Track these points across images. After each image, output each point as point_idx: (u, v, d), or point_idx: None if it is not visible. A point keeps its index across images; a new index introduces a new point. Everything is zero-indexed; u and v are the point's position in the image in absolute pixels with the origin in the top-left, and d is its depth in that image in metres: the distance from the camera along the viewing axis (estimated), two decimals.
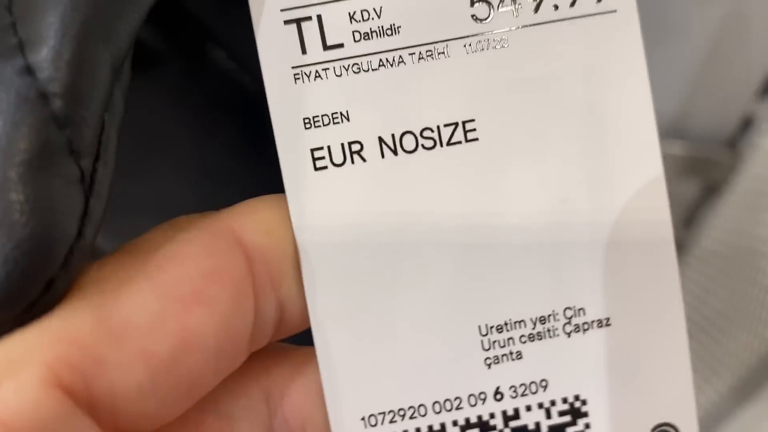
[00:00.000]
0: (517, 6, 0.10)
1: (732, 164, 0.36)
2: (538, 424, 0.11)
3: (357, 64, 0.10)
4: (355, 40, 0.10)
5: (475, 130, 0.10)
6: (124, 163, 0.10)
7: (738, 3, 0.32)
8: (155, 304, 0.09)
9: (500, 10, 0.10)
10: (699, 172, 0.36)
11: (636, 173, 0.10)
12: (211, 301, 0.10)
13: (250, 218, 0.10)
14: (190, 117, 0.17)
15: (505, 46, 0.10)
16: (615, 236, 0.10)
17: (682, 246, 0.41)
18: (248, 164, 0.17)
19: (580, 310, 0.11)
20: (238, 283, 0.10)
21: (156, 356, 0.09)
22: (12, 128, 0.08)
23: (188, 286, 0.09)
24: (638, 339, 0.11)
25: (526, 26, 0.10)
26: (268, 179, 0.11)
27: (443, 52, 0.10)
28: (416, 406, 0.11)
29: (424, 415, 0.11)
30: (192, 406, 0.10)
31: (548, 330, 0.11)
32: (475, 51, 0.10)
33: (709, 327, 0.36)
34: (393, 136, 0.10)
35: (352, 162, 0.10)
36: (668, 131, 0.37)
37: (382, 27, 0.10)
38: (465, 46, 0.10)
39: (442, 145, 0.10)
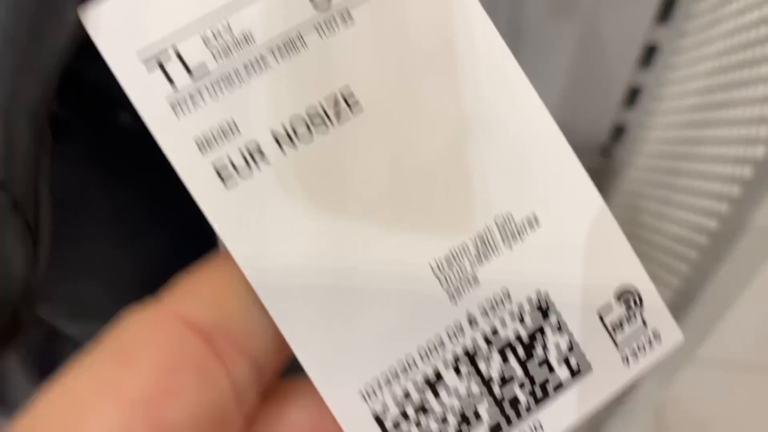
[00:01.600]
0: None
1: (609, 171, 0.37)
2: (518, 334, 0.11)
3: (225, 78, 0.10)
4: (216, 59, 0.10)
5: (357, 101, 0.11)
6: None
7: (592, 18, 0.34)
8: (118, 416, 0.09)
9: None
10: None
11: (499, 81, 0.11)
12: (176, 393, 0.10)
13: (195, 299, 0.11)
14: (104, 176, 0.18)
15: (353, 22, 0.11)
16: (509, 142, 0.11)
17: None
18: (168, 209, 0.19)
19: (507, 214, 0.11)
20: (198, 367, 0.10)
21: None
22: None
23: (148, 385, 0.10)
24: (568, 225, 0.11)
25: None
26: (189, 218, 0.12)
27: (300, 41, 0.11)
28: (404, 358, 0.11)
29: (415, 366, 0.11)
30: None
31: (490, 246, 0.11)
32: (327, 33, 0.11)
33: None
34: (283, 125, 0.11)
35: (258, 167, 0.10)
36: None
37: (236, 39, 0.10)
38: (317, 29, 0.11)
39: (334, 125, 0.11)
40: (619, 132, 0.37)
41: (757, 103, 0.25)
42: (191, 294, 0.11)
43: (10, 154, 0.10)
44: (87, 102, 0.17)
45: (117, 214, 0.19)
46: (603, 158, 0.38)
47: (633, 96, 0.36)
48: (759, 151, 0.24)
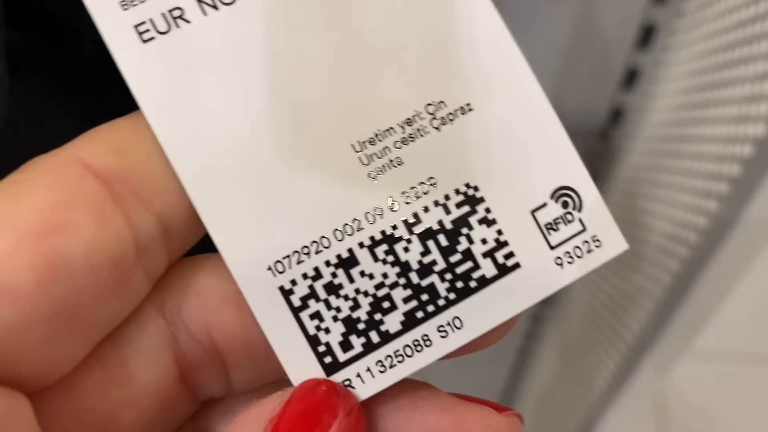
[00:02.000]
0: None
1: (607, 155, 0.37)
2: (441, 222, 0.11)
3: None
4: None
5: None
6: (12, 165, 0.10)
7: (587, 1, 0.33)
8: (4, 242, 0.09)
9: None
10: None
11: None
12: (69, 228, 0.09)
13: (96, 143, 0.10)
14: (66, 109, 0.18)
15: None
16: (447, 28, 0.11)
17: None
18: None
19: (440, 103, 0.11)
20: (94, 206, 0.10)
21: (16, 291, 0.09)
22: None
23: (39, 217, 0.09)
24: (504, 116, 0.11)
25: None
26: None
27: None
28: (318, 239, 0.11)
29: (328, 247, 0.11)
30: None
31: (417, 130, 0.11)
32: None
33: (601, 309, 0.36)
34: None
35: (177, 26, 0.10)
36: None
37: None
38: None
39: None
40: (617, 115, 0.37)
41: (757, 81, 0.24)
42: (96, 142, 0.10)
43: None
44: (47, 33, 0.16)
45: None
46: (601, 142, 0.37)
47: (631, 78, 0.35)
48: (759, 130, 0.23)
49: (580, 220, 0.11)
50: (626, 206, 0.35)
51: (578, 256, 0.11)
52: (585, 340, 0.39)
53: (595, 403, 0.36)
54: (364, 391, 0.11)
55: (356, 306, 0.11)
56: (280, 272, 0.11)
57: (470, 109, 0.11)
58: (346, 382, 0.11)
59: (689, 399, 0.39)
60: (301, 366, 0.11)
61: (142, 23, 0.10)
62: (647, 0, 0.33)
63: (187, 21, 0.10)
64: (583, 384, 0.39)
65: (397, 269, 0.11)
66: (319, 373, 0.11)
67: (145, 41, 0.10)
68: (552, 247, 0.11)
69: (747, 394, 0.41)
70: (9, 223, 0.09)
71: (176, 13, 0.10)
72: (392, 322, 0.11)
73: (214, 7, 0.10)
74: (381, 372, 0.11)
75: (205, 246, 0.11)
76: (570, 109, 0.37)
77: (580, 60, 0.35)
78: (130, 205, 0.10)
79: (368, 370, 0.11)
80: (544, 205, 0.11)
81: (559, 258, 0.11)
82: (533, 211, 0.11)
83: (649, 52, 0.34)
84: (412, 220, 0.11)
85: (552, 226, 0.11)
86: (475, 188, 0.11)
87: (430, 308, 0.11)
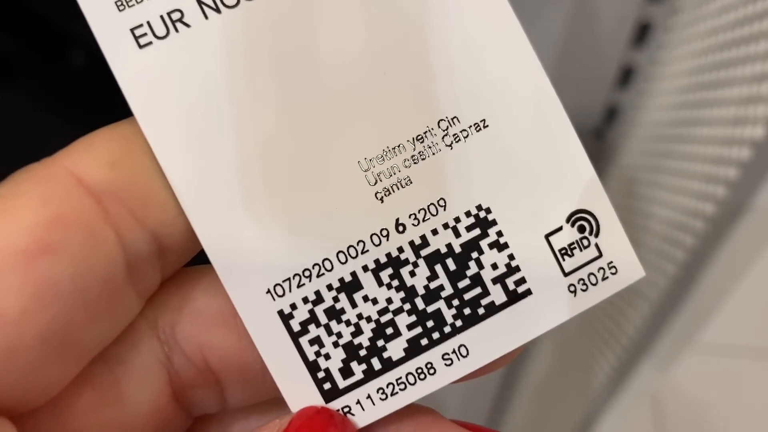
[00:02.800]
0: None
1: (602, 154, 0.37)
2: (449, 246, 0.10)
3: None
4: None
5: None
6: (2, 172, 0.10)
7: None
8: None
9: None
10: None
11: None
12: (57, 248, 0.09)
13: (87, 155, 0.10)
14: (55, 115, 0.17)
15: None
16: (465, 43, 0.10)
17: None
18: None
19: (453, 119, 0.10)
20: (85, 225, 0.09)
21: (3, 316, 0.09)
22: None
23: (27, 237, 0.09)
24: (521, 133, 0.10)
25: None
26: None
27: None
28: (320, 262, 0.10)
29: (331, 270, 0.10)
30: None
31: (429, 147, 0.10)
32: None
33: (597, 309, 0.36)
34: None
35: (176, 30, 0.10)
36: None
37: None
38: None
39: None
40: (612, 114, 0.36)
41: (755, 82, 0.24)
42: (89, 153, 0.10)
43: None
44: (37, 38, 0.16)
45: None
46: (596, 141, 0.37)
47: (626, 76, 0.35)
48: (757, 132, 0.23)
49: (597, 246, 0.11)
50: (622, 207, 0.35)
51: (592, 284, 0.11)
52: (583, 336, 0.39)
53: (594, 401, 0.36)
54: (363, 418, 0.10)
55: (358, 332, 0.10)
56: (280, 296, 0.10)
57: (485, 126, 0.10)
58: (345, 409, 0.10)
59: (686, 394, 0.39)
60: (299, 392, 0.10)
61: (139, 26, 0.10)
62: None
63: (187, 25, 0.10)
64: (581, 382, 0.39)
65: (402, 294, 0.10)
66: (317, 399, 0.10)
67: (141, 46, 0.10)
68: (566, 274, 0.10)
69: (747, 388, 0.41)
70: None
71: (175, 15, 0.10)
72: (395, 349, 0.10)
73: (216, 9, 0.10)
74: (382, 399, 0.10)
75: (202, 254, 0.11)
76: (565, 108, 0.36)
77: (575, 57, 0.34)
78: (122, 223, 0.10)
79: (369, 397, 0.10)
80: (560, 229, 0.10)
81: (572, 285, 0.11)
82: (548, 236, 0.10)
83: (644, 49, 0.34)
84: (419, 243, 0.10)
85: (567, 252, 0.10)
86: (488, 210, 0.10)
87: (436, 335, 0.10)
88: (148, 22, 0.10)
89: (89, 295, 0.09)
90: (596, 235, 0.11)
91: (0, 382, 0.09)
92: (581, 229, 0.10)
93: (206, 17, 0.10)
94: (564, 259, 0.10)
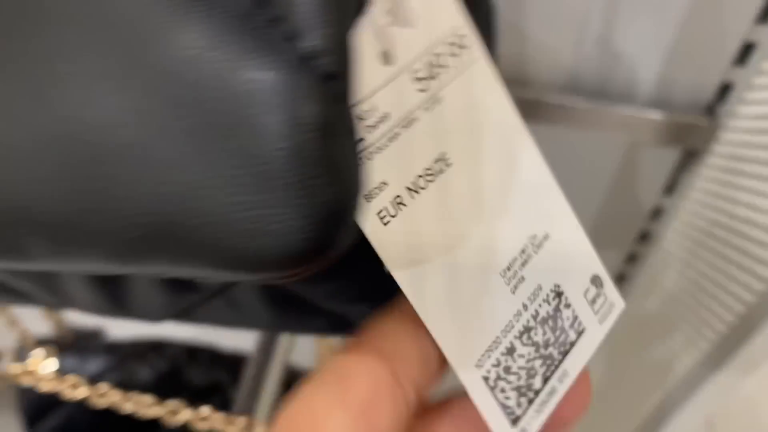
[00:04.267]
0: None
1: (711, 131, 0.37)
2: (547, 312, 0.16)
3: (379, 147, 0.13)
4: (372, 127, 0.13)
5: (450, 162, 0.15)
6: None
7: None
8: (347, 419, 0.13)
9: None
10: (679, 140, 0.37)
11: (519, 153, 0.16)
12: (381, 407, 0.14)
13: (404, 356, 0.15)
14: None
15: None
16: (524, 181, 0.16)
17: (664, 212, 0.42)
18: None
19: (534, 235, 0.16)
20: (392, 392, 0.14)
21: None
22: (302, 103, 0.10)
23: (364, 401, 0.14)
24: (564, 239, 0.17)
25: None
26: None
27: (415, 120, 0.14)
28: (494, 339, 0.16)
29: (500, 343, 0.16)
30: None
31: (528, 255, 0.16)
32: (429, 109, 0.14)
33: (693, 289, 0.37)
34: (412, 182, 0.14)
35: (401, 210, 0.14)
36: (648, 100, 0.38)
37: (380, 117, 0.13)
38: (424, 110, 0.14)
39: (436, 179, 0.14)
40: (724, 90, 0.37)
41: None
42: (398, 353, 0.15)
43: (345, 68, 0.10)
44: None
45: None
46: (705, 116, 0.37)
47: (745, 53, 0.35)
48: None
49: (605, 293, 0.18)
50: (724, 183, 0.36)
51: (604, 317, 0.18)
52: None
53: (652, 420, 0.37)
54: (532, 429, 0.16)
55: (520, 377, 0.16)
56: (481, 366, 0.15)
57: (547, 237, 0.16)
58: (523, 427, 0.16)
59: (740, 417, 0.39)
60: (498, 425, 0.16)
61: (383, 210, 0.14)
62: None
63: (405, 205, 0.14)
64: (634, 396, 0.40)
65: (533, 348, 0.16)
66: (509, 426, 0.16)
67: (385, 224, 0.14)
68: (596, 314, 0.17)
69: None
70: (347, 404, 0.13)
71: (398, 200, 0.14)
72: (537, 382, 0.16)
73: (416, 191, 0.14)
74: (537, 413, 0.16)
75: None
76: (679, 81, 0.37)
77: (697, 32, 0.35)
78: (406, 385, 0.14)
79: (532, 416, 0.16)
80: (588, 289, 0.17)
81: (599, 320, 0.18)
82: (584, 293, 0.17)
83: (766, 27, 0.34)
84: (534, 314, 0.16)
85: (594, 300, 0.17)
86: (558, 286, 0.17)
87: (552, 368, 0.17)
88: (386, 208, 0.14)
89: None
90: (602, 287, 0.18)
91: None
92: (597, 285, 0.17)
93: (413, 197, 0.14)
94: (594, 305, 0.17)
